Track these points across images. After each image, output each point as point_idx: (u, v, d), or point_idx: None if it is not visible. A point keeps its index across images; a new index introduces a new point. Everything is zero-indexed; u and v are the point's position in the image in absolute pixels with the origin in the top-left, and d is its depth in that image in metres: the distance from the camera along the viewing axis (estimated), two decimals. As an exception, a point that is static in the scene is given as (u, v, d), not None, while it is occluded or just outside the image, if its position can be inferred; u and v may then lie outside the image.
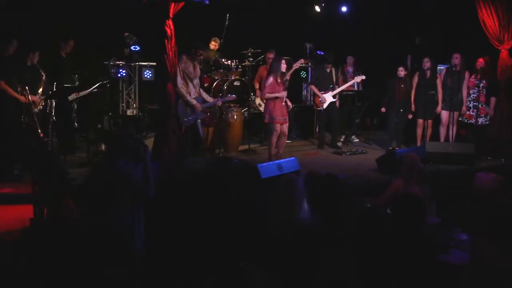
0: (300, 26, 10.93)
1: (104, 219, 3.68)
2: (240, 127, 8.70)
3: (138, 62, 10.08)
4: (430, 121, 8.72)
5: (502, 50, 8.22)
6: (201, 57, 7.80)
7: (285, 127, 7.61)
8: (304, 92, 11.26)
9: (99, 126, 9.09)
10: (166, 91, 7.03)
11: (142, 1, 6.90)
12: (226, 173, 6.24)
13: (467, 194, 4.71)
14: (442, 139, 8.63)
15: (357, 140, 9.93)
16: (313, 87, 9.28)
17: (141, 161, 3.78)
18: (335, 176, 3.75)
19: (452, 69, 8.39)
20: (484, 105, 8.38)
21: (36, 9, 8.76)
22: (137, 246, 3.79)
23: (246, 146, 8.73)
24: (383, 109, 9.07)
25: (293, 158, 6.65)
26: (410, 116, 8.88)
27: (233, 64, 9.65)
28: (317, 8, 10.93)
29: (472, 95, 8.42)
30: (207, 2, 7.33)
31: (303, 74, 11.08)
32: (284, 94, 7.48)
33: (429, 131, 8.74)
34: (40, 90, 7.13)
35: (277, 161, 6.55)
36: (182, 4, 6.94)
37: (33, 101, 6.89)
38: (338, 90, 9.11)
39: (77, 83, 8.78)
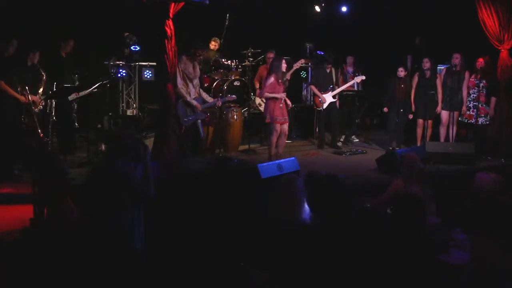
0: (300, 26, 10.93)
1: (104, 219, 3.68)
2: (240, 127, 8.70)
3: (138, 62, 10.08)
4: (430, 121, 8.72)
5: (502, 50, 8.22)
6: (201, 57, 7.80)
7: (285, 127, 7.63)
8: (304, 92, 11.26)
9: (99, 126, 9.09)
10: (166, 91, 7.03)
11: (142, 1, 6.90)
12: (226, 173, 6.23)
13: (467, 194, 4.71)
14: (442, 139, 8.62)
15: (357, 140, 9.93)
16: (313, 87, 9.28)
17: (141, 161, 3.78)
18: (335, 176, 3.75)
19: (452, 69, 8.39)
20: (484, 105, 8.38)
21: (36, 9, 8.76)
22: (137, 246, 3.79)
23: (246, 146, 8.73)
24: (385, 109, 9.05)
25: (293, 158, 6.66)
26: (411, 116, 8.88)
27: (233, 64, 9.65)
28: (317, 8, 10.94)
29: (472, 95, 8.42)
30: (207, 2, 7.33)
31: (303, 74, 11.08)
32: (283, 95, 7.48)
33: (429, 131, 8.74)
34: (41, 90, 7.13)
35: (277, 161, 6.55)
36: (182, 4, 6.94)
37: (33, 101, 6.89)
38: (338, 90, 9.11)
39: (77, 83, 8.78)
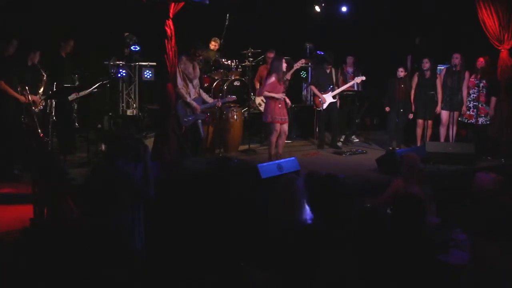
0: (300, 26, 10.93)
1: (104, 219, 3.68)
2: (240, 127, 8.70)
3: (138, 62, 10.08)
4: (430, 121, 8.72)
5: (502, 50, 8.22)
6: (201, 58, 7.80)
7: (285, 126, 7.65)
8: (304, 92, 11.26)
9: (99, 126, 9.09)
10: (166, 91, 7.04)
11: (142, 1, 6.90)
12: (226, 173, 6.23)
13: (467, 194, 4.71)
14: (442, 139, 8.62)
15: (357, 140, 9.93)
16: (313, 87, 9.28)
17: (141, 161, 3.78)
18: (335, 176, 3.75)
19: (452, 69, 8.40)
20: (484, 105, 8.38)
21: (36, 9, 8.76)
22: (137, 246, 3.79)
23: (246, 146, 8.73)
24: (387, 108, 9.02)
25: (293, 158, 6.66)
26: (411, 116, 8.88)
27: (233, 64, 9.65)
28: (317, 8, 10.94)
29: (472, 95, 8.41)
30: (207, 2, 7.33)
31: (303, 74, 11.09)
32: (282, 95, 7.50)
33: (429, 131, 8.74)
34: (41, 90, 7.13)
35: (277, 161, 6.55)
36: (182, 4, 6.94)
37: (34, 101, 6.89)
38: (338, 90, 9.11)
39: (77, 83, 8.79)
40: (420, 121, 8.80)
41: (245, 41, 9.84)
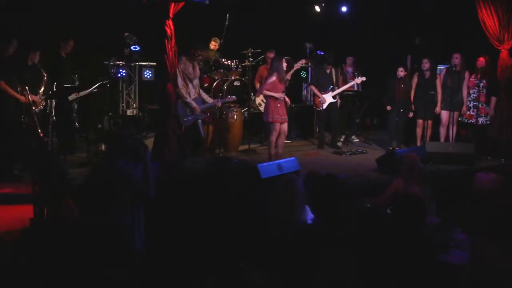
0: (300, 26, 10.93)
1: (104, 219, 3.68)
2: (240, 127, 8.70)
3: (138, 62, 10.08)
4: (430, 121, 8.72)
5: (502, 50, 8.22)
6: (200, 57, 7.80)
7: (285, 126, 7.66)
8: (304, 92, 11.26)
9: (99, 126, 9.09)
10: (166, 91, 7.04)
11: (142, 1, 6.90)
12: (226, 173, 6.24)
13: (467, 194, 4.71)
14: (442, 139, 8.63)
15: (357, 140, 9.93)
16: (313, 87, 9.28)
17: (141, 161, 3.78)
18: (335, 176, 3.75)
19: (452, 69, 8.40)
20: (484, 105, 8.38)
21: (36, 9, 8.76)
22: (137, 246, 3.79)
23: (246, 146, 8.74)
24: (388, 107, 9.01)
25: (293, 158, 6.66)
26: (411, 114, 8.87)
27: (233, 64, 9.66)
28: (317, 8, 10.94)
29: (472, 95, 8.42)
30: (207, 2, 7.33)
31: (303, 74, 11.09)
32: (282, 95, 7.51)
33: (429, 131, 8.74)
34: (41, 90, 7.13)
35: (277, 161, 6.55)
36: (182, 4, 6.94)
37: (34, 101, 6.89)
38: (338, 90, 9.11)
39: (77, 83, 8.79)
40: (420, 121, 8.80)
41: (245, 41, 9.84)
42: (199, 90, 7.68)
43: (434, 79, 8.67)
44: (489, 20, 8.13)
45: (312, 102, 10.18)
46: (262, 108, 8.71)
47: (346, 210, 3.64)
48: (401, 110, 8.74)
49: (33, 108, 6.88)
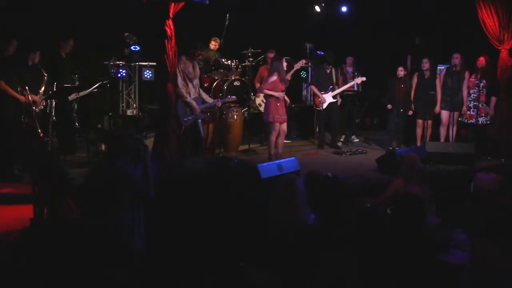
0: (300, 26, 10.93)
1: (104, 219, 3.68)
2: (240, 127, 8.70)
3: (138, 62, 10.08)
4: (430, 121, 8.73)
5: (502, 50, 8.22)
6: (200, 57, 7.81)
7: (284, 126, 7.69)
8: (304, 92, 11.27)
9: (99, 126, 9.09)
10: (166, 91, 7.04)
11: (142, 1, 6.90)
12: (226, 173, 6.24)
13: (467, 194, 4.71)
14: (442, 139, 8.62)
15: (357, 140, 9.93)
16: (313, 87, 9.28)
17: (141, 161, 3.78)
18: (335, 176, 3.75)
19: (452, 69, 8.40)
20: (484, 105, 8.38)
21: (36, 9, 8.76)
22: (137, 246, 3.79)
23: (246, 146, 8.73)
24: (389, 106, 9.01)
25: (293, 158, 6.66)
26: (411, 112, 8.86)
27: (233, 64, 9.66)
28: (317, 8, 10.95)
29: (472, 95, 8.41)
30: (207, 2, 7.33)
31: (303, 74, 11.09)
32: (282, 94, 7.53)
33: (429, 131, 8.74)
34: (42, 89, 7.13)
35: (277, 161, 6.55)
36: (182, 4, 6.94)
37: (34, 101, 6.89)
38: (338, 90, 9.11)
39: (77, 83, 8.79)
40: (420, 121, 8.80)
41: (245, 41, 9.84)
42: (199, 90, 7.68)
43: (434, 79, 8.66)
44: (489, 20, 8.12)
45: (312, 102, 10.18)
46: (262, 109, 8.72)
47: (346, 210, 3.64)
48: (401, 110, 8.74)
49: (33, 108, 6.88)
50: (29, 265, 4.20)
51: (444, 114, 8.57)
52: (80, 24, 8.94)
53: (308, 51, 10.89)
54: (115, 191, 3.65)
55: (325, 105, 9.05)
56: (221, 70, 9.55)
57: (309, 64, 10.59)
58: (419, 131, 8.85)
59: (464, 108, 8.46)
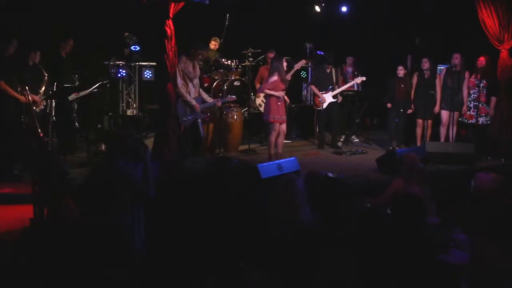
0: (300, 26, 10.93)
1: (104, 219, 3.68)
2: (240, 127, 8.70)
3: (138, 62, 10.07)
4: (430, 121, 8.73)
5: (502, 50, 8.22)
6: (200, 57, 7.81)
7: (284, 126, 7.70)
8: (304, 92, 11.26)
9: (99, 126, 9.09)
10: (166, 91, 7.04)
11: (142, 1, 6.90)
12: (226, 173, 6.24)
13: (467, 194, 4.71)
14: (442, 139, 8.62)
15: (357, 140, 9.93)
16: (313, 87, 9.28)
17: (141, 161, 3.78)
18: (335, 176, 3.75)
19: (452, 69, 8.39)
20: (484, 105, 8.38)
21: (36, 9, 8.76)
22: (137, 246, 3.79)
23: (246, 146, 8.73)
24: (389, 105, 9.02)
25: (293, 158, 6.66)
26: (410, 111, 8.86)
27: (233, 64, 9.65)
28: (317, 8, 10.94)
29: (472, 95, 8.41)
30: (207, 2, 7.33)
31: (303, 74, 11.09)
32: (282, 93, 7.55)
33: (429, 131, 8.75)
34: (42, 89, 7.14)
35: (277, 161, 6.55)
36: (182, 4, 6.94)
37: (34, 101, 6.90)
38: (338, 90, 9.11)
39: (77, 83, 8.79)
40: (420, 121, 8.80)
41: (245, 41, 9.83)
42: (199, 90, 7.68)
43: (434, 78, 8.66)
44: (489, 20, 8.12)
45: (312, 102, 10.18)
46: (262, 109, 8.72)
47: (346, 210, 3.64)
48: (401, 110, 8.74)
49: (34, 108, 6.88)
50: (29, 265, 4.20)
51: (444, 114, 8.57)
52: (80, 24, 8.94)
53: (308, 51, 10.89)
54: (115, 191, 3.64)
55: (325, 105, 9.05)
56: (221, 70, 9.55)
57: (309, 64, 10.59)
58: (419, 131, 8.85)
59: (464, 108, 8.46)
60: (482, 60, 8.26)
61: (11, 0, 8.49)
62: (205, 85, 9.11)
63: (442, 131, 8.67)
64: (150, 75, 10.11)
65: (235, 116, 8.56)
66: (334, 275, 3.21)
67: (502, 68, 8.23)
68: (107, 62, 9.76)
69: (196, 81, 7.61)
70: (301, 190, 3.63)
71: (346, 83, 9.37)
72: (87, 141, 7.51)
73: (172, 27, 6.85)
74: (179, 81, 7.29)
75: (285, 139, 8.19)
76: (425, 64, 8.65)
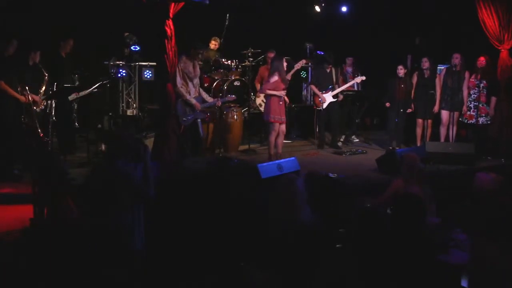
0: (300, 26, 10.93)
1: (104, 219, 3.68)
2: (240, 127, 8.70)
3: (138, 62, 10.08)
4: (430, 121, 8.73)
5: (502, 50, 8.21)
6: (200, 56, 7.81)
7: (283, 126, 7.70)
8: (304, 92, 11.27)
9: (99, 126, 9.09)
10: (166, 91, 7.04)
11: (142, 1, 6.90)
12: (226, 173, 6.24)
13: (467, 194, 4.71)
14: (442, 139, 8.62)
15: (357, 140, 9.93)
16: (313, 87, 9.28)
17: (141, 161, 3.78)
18: (335, 176, 3.76)
19: (452, 69, 8.40)
20: (484, 105, 8.38)
21: (36, 9, 8.76)
22: (137, 246, 3.79)
23: (246, 146, 8.73)
24: (387, 104, 9.02)
25: (293, 158, 6.66)
26: (410, 110, 8.86)
27: (233, 64, 9.65)
28: (317, 8, 10.94)
29: (472, 95, 8.41)
30: (207, 2, 7.33)
31: (303, 74, 11.09)
32: (283, 93, 7.55)
33: (429, 131, 8.75)
34: (43, 89, 7.14)
35: (277, 161, 6.55)
36: (182, 4, 6.94)
37: (35, 101, 6.90)
38: (338, 90, 9.11)
39: (77, 83, 8.79)
40: (420, 121, 8.81)
41: (245, 41, 9.83)
42: (199, 89, 7.69)
43: (433, 78, 8.67)
44: (489, 20, 8.12)
45: (312, 102, 10.18)
46: (262, 109, 8.72)
47: (346, 210, 3.64)
48: (401, 110, 8.74)
49: (34, 108, 6.88)
50: (29, 265, 4.20)
51: (444, 114, 8.57)
52: (80, 24, 8.94)
53: (308, 51, 10.89)
54: (115, 191, 3.64)
55: (325, 105, 9.05)
56: (221, 70, 9.55)
57: (309, 64, 10.59)
58: (419, 131, 8.85)
59: (464, 108, 8.46)
60: (482, 60, 8.26)
61: (11, 0, 8.49)
62: (205, 85, 9.11)
63: (442, 131, 8.67)
64: (150, 75, 10.11)
65: (235, 116, 8.56)
66: (334, 275, 3.21)
67: (502, 68, 8.23)
68: (107, 62, 9.76)
69: (196, 80, 7.61)
70: (301, 190, 3.63)
71: (346, 83, 9.37)
72: (87, 141, 7.51)
73: (172, 27, 6.85)
74: (179, 80, 7.29)
75: (285, 139, 8.20)
76: (425, 64, 8.65)
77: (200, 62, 8.21)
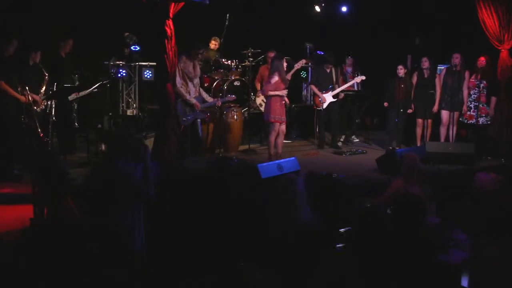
0: (300, 26, 10.93)
1: (104, 219, 3.68)
2: (240, 127, 8.71)
3: (138, 62, 10.08)
4: (430, 121, 8.73)
5: (502, 50, 8.21)
6: (200, 56, 7.81)
7: (283, 126, 7.70)
8: (304, 92, 11.26)
9: (99, 126, 9.09)
10: (166, 91, 7.04)
11: (142, 1, 6.90)
12: (226, 173, 6.24)
13: (467, 194, 4.71)
14: (442, 139, 8.63)
15: (357, 140, 9.93)
16: (313, 87, 9.28)
17: (141, 161, 3.78)
18: (336, 176, 3.75)
19: (452, 69, 8.40)
20: (484, 105, 8.38)
21: (36, 9, 8.76)
22: (137, 246, 3.79)
23: (246, 146, 8.73)
24: (385, 104, 9.03)
25: (293, 158, 6.66)
26: (410, 111, 8.87)
27: (233, 64, 9.65)
28: (317, 8, 10.94)
29: (472, 95, 8.41)
30: (207, 2, 7.33)
31: (303, 74, 11.09)
32: (285, 92, 7.56)
33: (429, 131, 8.75)
34: (43, 89, 7.14)
35: (277, 161, 6.55)
36: (182, 4, 6.94)
37: (35, 101, 6.90)
38: (338, 90, 9.11)
39: (77, 83, 8.79)
40: (420, 121, 8.81)
41: (245, 41, 9.83)
42: (199, 89, 7.69)
43: (433, 78, 8.67)
44: (489, 20, 8.12)
45: (312, 102, 10.18)
46: (262, 109, 8.72)
47: (346, 210, 3.64)
48: (401, 110, 8.74)
49: (34, 107, 6.89)
50: (29, 265, 4.21)
51: (444, 114, 8.57)
52: (80, 24, 8.94)
53: (308, 51, 10.88)
54: (115, 191, 3.65)
55: (325, 105, 9.05)
56: (221, 70, 9.54)
57: (309, 64, 10.59)
58: (419, 131, 8.85)
59: (464, 107, 8.46)
60: (482, 60, 8.26)
61: (11, 0, 8.49)
62: (205, 85, 9.12)
63: (442, 131, 8.67)
64: (150, 75, 10.11)
65: (235, 116, 8.56)
66: (334, 275, 3.21)
67: (502, 68, 8.23)
68: (107, 62, 9.76)
69: (196, 80, 7.62)
70: (301, 190, 3.63)
71: (346, 83, 9.37)
72: (87, 141, 7.51)
73: (172, 27, 6.85)
74: (178, 80, 7.29)
75: (285, 139, 8.20)
76: (425, 64, 8.65)
77: (200, 62, 8.21)
